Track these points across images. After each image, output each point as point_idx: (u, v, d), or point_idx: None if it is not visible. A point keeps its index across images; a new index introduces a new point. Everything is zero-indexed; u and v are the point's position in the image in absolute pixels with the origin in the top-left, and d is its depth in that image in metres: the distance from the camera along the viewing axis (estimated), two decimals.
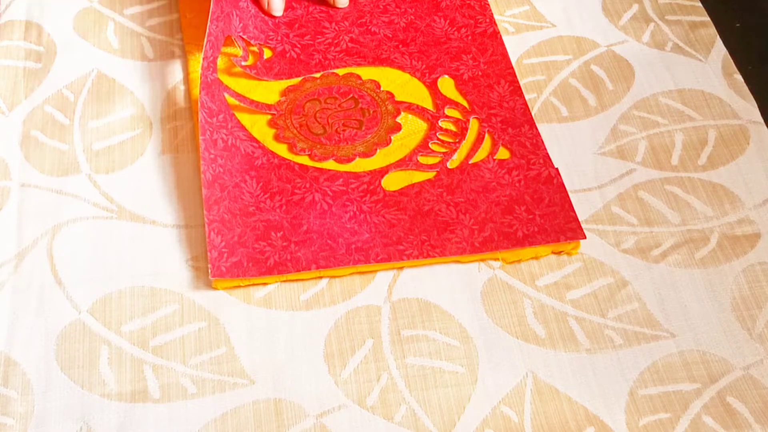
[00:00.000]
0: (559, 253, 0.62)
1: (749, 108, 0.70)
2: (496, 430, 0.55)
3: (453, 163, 0.66)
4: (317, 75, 0.71)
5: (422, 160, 0.66)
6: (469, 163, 0.66)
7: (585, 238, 0.62)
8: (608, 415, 0.55)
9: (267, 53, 0.72)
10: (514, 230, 0.62)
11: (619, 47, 0.74)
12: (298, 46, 0.72)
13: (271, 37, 0.73)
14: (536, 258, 0.62)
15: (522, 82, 0.71)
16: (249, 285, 0.60)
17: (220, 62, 0.70)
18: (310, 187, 0.64)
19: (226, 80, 0.69)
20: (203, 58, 0.67)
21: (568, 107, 0.70)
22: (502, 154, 0.66)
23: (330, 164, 0.65)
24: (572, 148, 0.68)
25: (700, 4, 0.77)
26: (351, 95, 0.69)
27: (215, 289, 0.60)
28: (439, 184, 0.65)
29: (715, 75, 0.72)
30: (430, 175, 0.65)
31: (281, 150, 0.66)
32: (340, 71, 0.71)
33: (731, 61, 0.73)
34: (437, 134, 0.67)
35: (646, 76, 0.72)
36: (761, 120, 0.69)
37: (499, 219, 0.63)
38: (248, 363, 0.57)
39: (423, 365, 0.57)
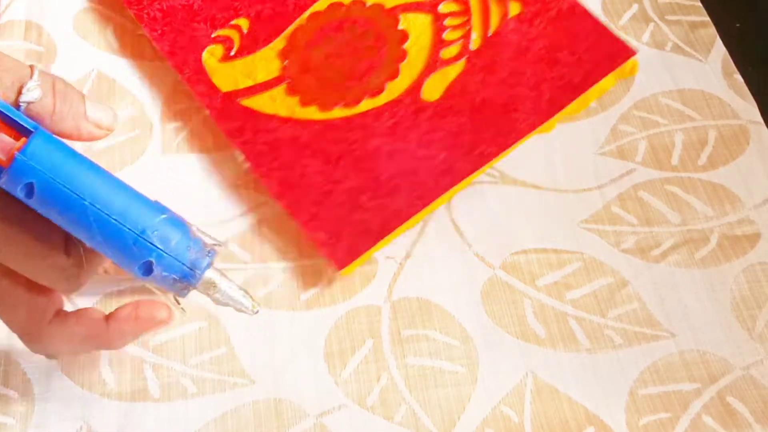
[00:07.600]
0: (623, 78, 0.59)
1: (749, 108, 0.70)
2: (496, 430, 0.55)
3: (474, 43, 0.63)
4: (301, 21, 0.67)
5: (445, 54, 0.63)
6: (489, 36, 0.63)
7: (636, 52, 0.59)
8: (608, 415, 0.55)
9: (244, 24, 0.68)
10: (569, 79, 0.59)
11: None
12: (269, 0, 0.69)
13: (238, 8, 0.69)
14: (602, 92, 0.59)
15: None
16: (372, 252, 0.58)
17: (210, 61, 0.68)
18: (365, 135, 0.61)
19: (222, 83, 0.67)
20: (198, 96, 0.65)
21: None
22: (514, 9, 0.63)
23: (366, 104, 0.62)
24: (572, 148, 0.68)
25: (700, 4, 0.77)
26: (344, 28, 0.65)
27: None
28: (473, 71, 0.61)
29: (715, 75, 0.72)
30: (461, 66, 0.62)
31: (312, 113, 0.62)
32: (318, 6, 0.67)
33: (731, 61, 0.73)
34: (444, 22, 0.64)
35: (646, 76, 0.72)
36: (761, 120, 0.69)
37: (549, 75, 0.60)
38: (248, 363, 0.57)
39: (423, 365, 0.57)
